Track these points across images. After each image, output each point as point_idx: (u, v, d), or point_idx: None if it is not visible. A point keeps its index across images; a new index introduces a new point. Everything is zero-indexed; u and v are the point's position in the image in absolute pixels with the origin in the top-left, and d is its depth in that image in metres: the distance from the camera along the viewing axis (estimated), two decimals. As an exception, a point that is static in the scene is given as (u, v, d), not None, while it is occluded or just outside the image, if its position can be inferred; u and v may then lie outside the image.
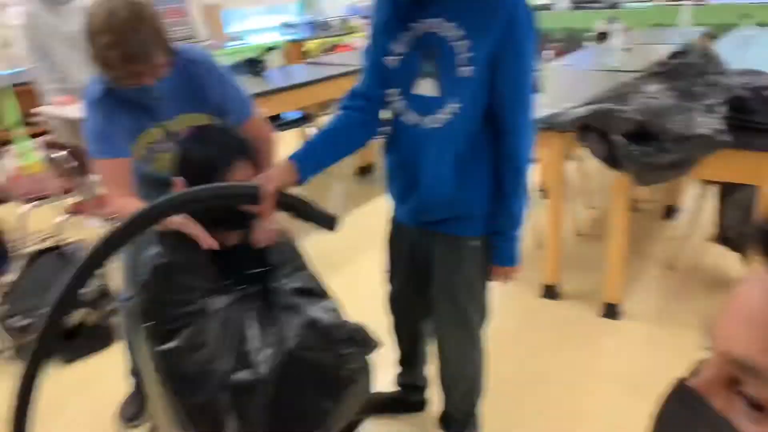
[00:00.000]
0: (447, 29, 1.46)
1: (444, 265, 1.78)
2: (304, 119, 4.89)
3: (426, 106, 1.55)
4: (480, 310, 1.88)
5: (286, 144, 5.24)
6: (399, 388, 2.31)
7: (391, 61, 1.58)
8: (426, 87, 1.54)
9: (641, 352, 2.60)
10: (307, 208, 1.48)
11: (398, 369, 2.27)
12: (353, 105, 1.68)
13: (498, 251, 1.71)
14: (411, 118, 1.59)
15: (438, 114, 1.54)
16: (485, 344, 1.97)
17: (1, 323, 2.74)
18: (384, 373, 2.22)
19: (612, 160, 2.49)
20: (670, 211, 3.87)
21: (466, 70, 1.47)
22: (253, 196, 1.41)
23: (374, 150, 5.10)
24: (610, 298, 2.83)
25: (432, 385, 2.29)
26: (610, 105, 2.47)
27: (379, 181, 4.90)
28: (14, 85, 4.63)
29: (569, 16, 8.32)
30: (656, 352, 2.59)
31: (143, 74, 1.60)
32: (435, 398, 2.26)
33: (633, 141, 2.42)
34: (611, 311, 2.83)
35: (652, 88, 2.62)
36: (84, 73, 3.95)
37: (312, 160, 1.56)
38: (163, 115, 1.77)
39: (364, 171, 5.07)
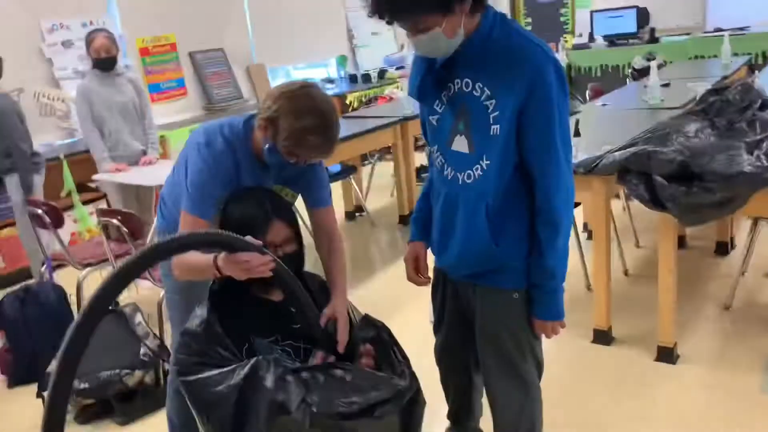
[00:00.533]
0: (476, 89, 1.54)
1: (487, 317, 1.78)
2: (344, 171, 4.98)
3: (461, 162, 1.62)
4: (530, 361, 1.85)
5: (336, 198, 5.36)
6: None
7: (432, 120, 1.69)
8: (460, 144, 1.62)
9: (698, 397, 2.51)
10: (297, 296, 1.60)
11: (449, 424, 2.23)
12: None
13: (538, 305, 1.70)
14: (449, 173, 1.67)
15: (471, 170, 1.60)
16: (539, 395, 1.93)
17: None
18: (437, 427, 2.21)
19: (655, 201, 2.47)
20: (721, 248, 3.78)
21: (494, 128, 1.53)
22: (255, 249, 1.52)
23: (415, 196, 5.14)
24: (664, 341, 2.76)
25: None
26: (649, 147, 2.47)
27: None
28: (69, 155, 4.86)
29: (606, 53, 8.30)
30: (714, 395, 2.50)
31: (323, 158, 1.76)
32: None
33: (675, 181, 2.40)
34: (666, 355, 2.75)
35: (692, 127, 2.61)
36: (134, 140, 4.15)
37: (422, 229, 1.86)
38: (262, 182, 1.82)
39: (406, 219, 5.10)
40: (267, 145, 1.69)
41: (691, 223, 2.47)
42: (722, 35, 6.15)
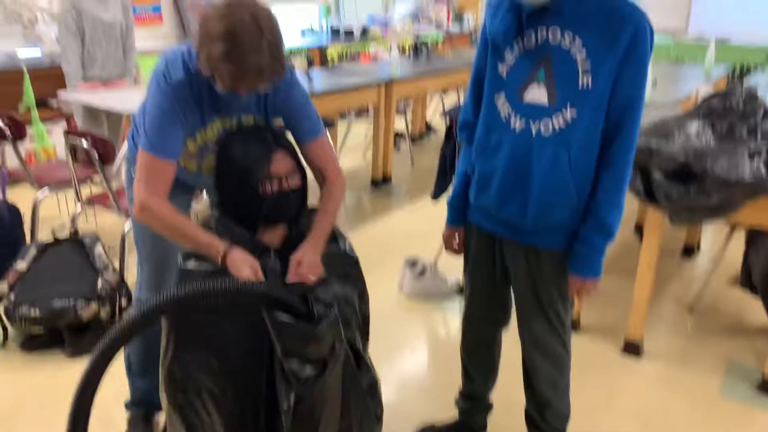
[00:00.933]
0: (567, 39, 1.50)
1: (542, 277, 1.75)
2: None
3: (536, 112, 1.57)
4: (568, 321, 1.86)
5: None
6: (461, 416, 2.21)
7: (500, 67, 1.62)
8: (537, 94, 1.56)
9: (660, 393, 2.55)
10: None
11: (464, 389, 2.16)
12: (467, 137, 1.81)
13: (583, 261, 1.66)
14: (518, 124, 1.61)
15: (551, 120, 1.56)
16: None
17: (6, 312, 2.67)
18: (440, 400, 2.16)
19: (649, 195, 2.46)
20: (688, 250, 3.84)
21: (585, 81, 1.51)
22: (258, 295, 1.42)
23: (391, 161, 5.06)
24: (633, 336, 2.78)
25: (493, 411, 2.22)
26: (653, 143, 2.44)
27: (396, 193, 4.86)
28: (32, 69, 4.57)
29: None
30: (675, 393, 2.54)
31: (259, 87, 1.53)
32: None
33: (672, 180, 2.39)
34: (633, 349, 2.78)
35: (693, 128, 2.59)
36: (113, 64, 3.92)
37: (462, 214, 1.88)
38: (231, 112, 1.70)
39: (379, 183, 5.02)
40: (208, 79, 1.56)
41: (681, 223, 2.47)
42: (708, 43, 6.21)
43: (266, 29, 1.45)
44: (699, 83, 4.41)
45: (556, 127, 1.56)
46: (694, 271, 3.66)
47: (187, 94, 1.59)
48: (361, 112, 5.62)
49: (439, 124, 6.89)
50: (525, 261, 1.76)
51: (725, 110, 2.67)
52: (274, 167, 1.57)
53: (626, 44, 1.47)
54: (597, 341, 2.90)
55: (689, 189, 2.34)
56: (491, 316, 2.00)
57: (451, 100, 7.62)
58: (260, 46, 1.44)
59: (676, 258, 3.82)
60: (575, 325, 2.96)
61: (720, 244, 3.25)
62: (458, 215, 1.91)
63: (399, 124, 5.80)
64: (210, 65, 1.48)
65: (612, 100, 1.53)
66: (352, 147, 5.98)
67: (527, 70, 1.57)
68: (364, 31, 7.69)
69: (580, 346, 2.86)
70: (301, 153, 1.76)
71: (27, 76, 4.39)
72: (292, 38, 7.35)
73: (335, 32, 7.59)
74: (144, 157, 1.59)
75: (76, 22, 3.67)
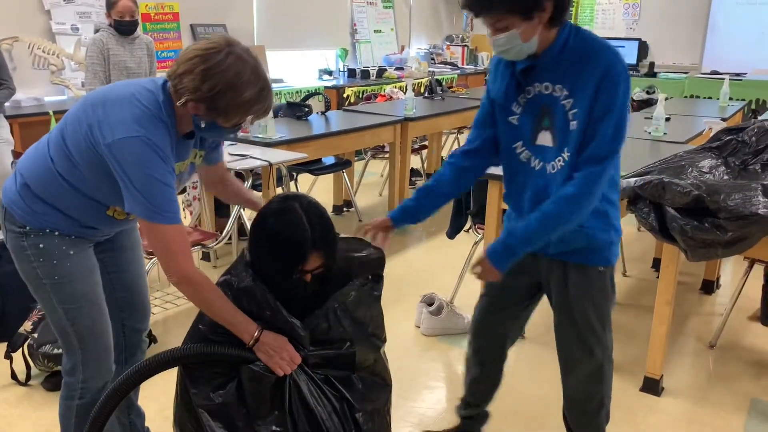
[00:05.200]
0: (556, 91, 1.72)
1: (573, 291, 1.89)
2: (338, 165, 4.91)
3: (547, 154, 1.79)
4: (608, 330, 1.99)
5: (327, 189, 5.29)
6: (460, 423, 2.32)
7: (511, 120, 1.84)
8: (545, 138, 1.79)
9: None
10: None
11: (468, 396, 2.26)
12: (452, 162, 2.00)
13: (497, 244, 1.81)
14: (536, 164, 1.82)
15: (555, 161, 1.77)
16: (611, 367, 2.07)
17: (29, 350, 2.72)
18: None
19: (664, 232, 2.46)
20: (707, 286, 3.81)
21: (573, 124, 1.69)
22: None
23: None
24: (652, 372, 2.75)
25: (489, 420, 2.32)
26: (665, 177, 2.45)
27: (411, 231, 4.89)
28: (57, 112, 4.71)
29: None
30: (699, 433, 2.51)
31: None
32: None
33: (687, 215, 2.39)
34: (652, 386, 2.75)
35: (706, 163, 2.61)
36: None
37: (401, 218, 2.01)
38: (186, 155, 1.73)
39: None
40: (203, 124, 1.58)
41: (698, 259, 2.46)
42: (722, 78, 6.25)
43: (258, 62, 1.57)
44: (712, 119, 4.42)
45: (559, 165, 1.76)
46: (714, 306, 3.63)
47: (168, 148, 1.58)
48: (377, 151, 5.69)
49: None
50: (567, 276, 1.90)
51: (739, 145, 2.69)
52: (308, 266, 1.62)
53: (597, 81, 1.63)
54: (615, 378, 2.85)
55: (704, 224, 2.35)
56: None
57: (466, 138, 7.68)
58: (267, 78, 1.58)
59: (695, 293, 3.79)
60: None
61: (739, 280, 3.22)
62: (398, 215, 2.02)
63: (415, 162, 5.85)
64: (242, 111, 1.55)
65: (584, 133, 1.69)
66: (368, 185, 6.05)
67: (532, 119, 1.79)
68: (380, 72, 7.82)
69: (598, 383, 2.84)
70: (210, 171, 1.95)
71: (54, 120, 4.52)
72: (309, 79, 7.51)
73: (352, 73, 7.73)
74: (167, 231, 1.56)
75: (102, 69, 3.80)
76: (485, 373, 2.20)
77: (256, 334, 1.54)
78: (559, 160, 1.75)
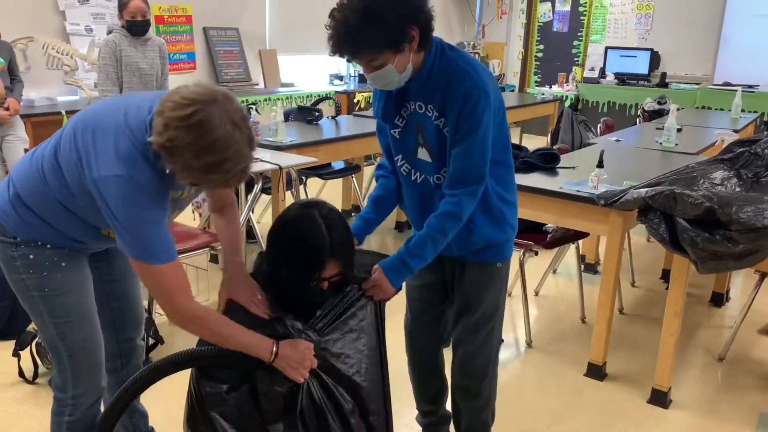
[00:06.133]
0: (428, 111, 1.78)
1: (472, 286, 2.00)
2: (347, 169, 4.91)
3: (427, 168, 1.87)
4: (499, 317, 2.08)
5: (336, 194, 5.29)
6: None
7: (394, 133, 1.90)
8: (423, 154, 1.86)
9: (691, 446, 2.49)
10: None
11: (424, 407, 2.29)
12: (384, 175, 2.04)
13: (393, 259, 1.81)
14: (418, 177, 1.90)
15: (439, 174, 1.84)
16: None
17: (37, 348, 2.73)
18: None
19: (675, 243, 2.45)
20: (716, 298, 3.78)
21: (445, 142, 1.77)
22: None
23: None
24: (659, 384, 2.73)
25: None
26: (676, 188, 2.44)
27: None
28: (70, 112, 4.75)
29: (615, 91, 8.37)
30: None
31: None
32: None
33: (698, 226, 2.38)
34: (660, 398, 2.73)
35: (718, 174, 2.60)
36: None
37: (364, 231, 1.98)
38: (181, 185, 1.61)
39: (402, 226, 5.06)
40: (167, 169, 1.46)
41: (708, 271, 2.44)
42: (734, 90, 6.22)
43: (244, 127, 1.42)
44: (724, 130, 4.40)
45: (443, 178, 1.83)
46: (723, 319, 3.60)
47: (156, 185, 1.49)
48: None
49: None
50: (467, 273, 2.00)
51: (751, 158, 2.67)
52: (325, 273, 1.61)
53: (459, 108, 1.70)
54: (623, 390, 2.85)
55: (715, 236, 2.33)
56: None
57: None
58: (246, 147, 1.43)
59: (705, 306, 3.76)
60: (601, 375, 2.92)
61: (749, 293, 3.20)
62: (362, 230, 1.99)
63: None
64: (195, 175, 1.41)
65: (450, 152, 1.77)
66: (377, 191, 6.04)
67: (412, 134, 1.85)
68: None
69: (605, 394, 2.82)
70: (215, 194, 1.84)
71: (66, 120, 4.55)
72: (320, 84, 7.53)
73: (362, 78, 7.75)
74: (162, 271, 1.49)
75: (115, 70, 3.82)
76: (427, 378, 2.24)
77: (274, 350, 1.52)
78: (443, 173, 1.82)
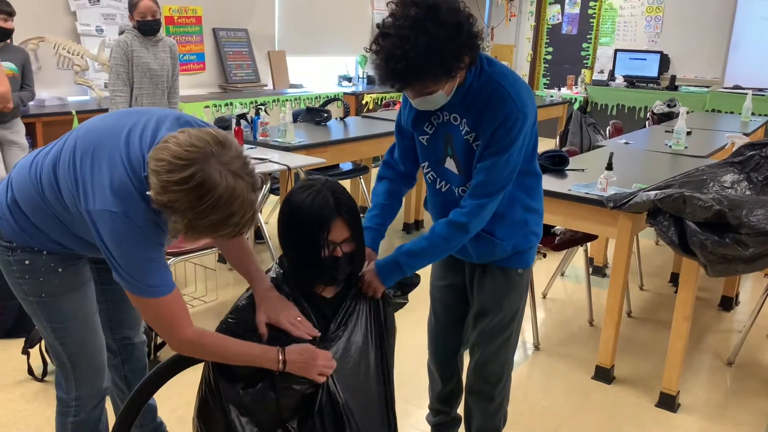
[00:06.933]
0: (462, 125, 1.78)
1: (493, 292, 2.00)
2: (355, 171, 4.92)
3: (453, 179, 1.88)
4: (517, 323, 2.07)
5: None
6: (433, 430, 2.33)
7: (422, 140, 1.90)
8: (450, 164, 1.86)
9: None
10: None
11: (437, 406, 2.29)
12: (389, 174, 2.03)
13: (387, 259, 1.80)
14: (443, 186, 1.91)
15: (465, 186, 1.83)
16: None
17: (45, 346, 2.74)
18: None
19: (684, 246, 2.43)
20: (726, 302, 3.76)
21: (473, 156, 1.77)
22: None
23: (421, 207, 5.09)
24: (668, 388, 2.72)
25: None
26: (686, 191, 2.43)
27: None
28: (80, 112, 4.77)
29: (624, 93, 8.35)
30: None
31: None
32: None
33: (708, 229, 2.37)
34: (668, 401, 2.72)
35: (728, 177, 2.58)
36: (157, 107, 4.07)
37: (377, 242, 1.95)
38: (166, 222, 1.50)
39: (411, 227, 5.06)
40: (163, 216, 1.41)
41: (718, 274, 2.43)
42: (745, 93, 6.19)
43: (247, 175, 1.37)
44: (735, 134, 4.38)
45: (466, 189, 1.82)
46: (732, 323, 3.58)
47: (152, 223, 1.44)
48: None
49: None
50: (488, 278, 2.00)
51: (762, 161, 2.66)
52: (332, 235, 1.59)
53: (493, 129, 1.69)
54: (630, 393, 2.84)
55: (725, 239, 2.32)
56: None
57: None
58: (249, 193, 1.38)
59: (714, 310, 3.74)
60: (609, 378, 2.91)
61: (759, 297, 3.18)
62: (376, 242, 1.96)
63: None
64: (198, 232, 1.36)
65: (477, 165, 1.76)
66: (385, 192, 6.04)
67: (441, 143, 1.85)
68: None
69: (612, 397, 2.81)
70: None
71: (76, 119, 4.58)
72: (329, 85, 7.55)
73: (371, 80, 7.76)
74: (159, 304, 1.46)
75: (126, 71, 3.84)
76: (445, 378, 2.24)
77: (280, 357, 1.50)
78: (466, 188, 1.82)
